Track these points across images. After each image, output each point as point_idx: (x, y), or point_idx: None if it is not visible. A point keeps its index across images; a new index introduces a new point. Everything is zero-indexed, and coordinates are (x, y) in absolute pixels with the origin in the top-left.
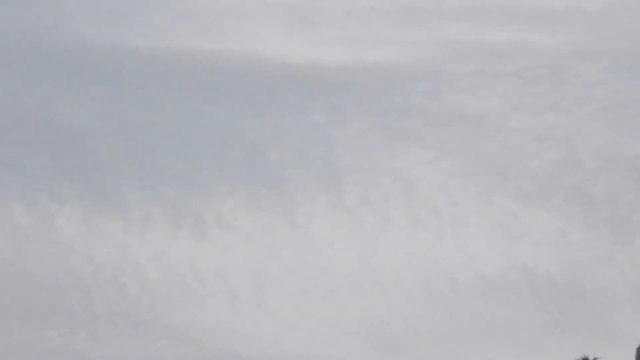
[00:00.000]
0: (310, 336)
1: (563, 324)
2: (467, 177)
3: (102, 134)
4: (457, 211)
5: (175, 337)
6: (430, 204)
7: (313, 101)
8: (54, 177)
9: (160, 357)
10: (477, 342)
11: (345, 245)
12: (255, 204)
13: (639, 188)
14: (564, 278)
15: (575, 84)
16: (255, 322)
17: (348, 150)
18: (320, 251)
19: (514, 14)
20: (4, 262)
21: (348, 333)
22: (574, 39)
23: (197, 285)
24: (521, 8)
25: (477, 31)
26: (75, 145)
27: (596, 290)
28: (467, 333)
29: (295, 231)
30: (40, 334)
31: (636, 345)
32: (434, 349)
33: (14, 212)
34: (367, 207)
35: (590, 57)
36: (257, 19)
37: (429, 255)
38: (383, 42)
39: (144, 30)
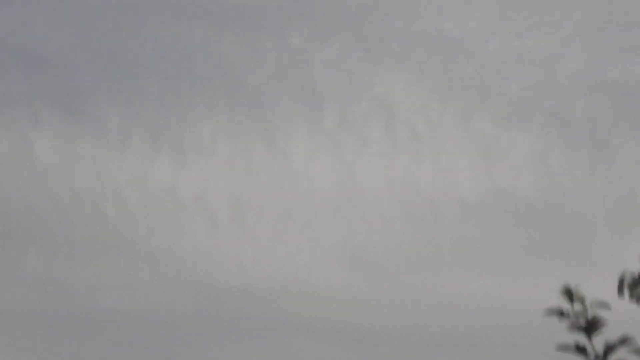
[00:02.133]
0: (289, 261)
1: (542, 247)
2: (446, 99)
3: (79, 57)
4: (436, 134)
5: (155, 262)
6: (409, 126)
7: (291, 24)
8: (31, 102)
9: (139, 282)
10: (457, 265)
11: (324, 168)
12: (233, 128)
13: (617, 111)
14: (543, 201)
15: (554, 7)
16: (235, 247)
17: (326, 73)
18: (299, 174)
19: None
20: None
21: (327, 258)
22: None
23: (177, 210)
24: None
25: None
26: (52, 68)
27: (576, 213)
28: (447, 256)
29: (274, 154)
30: (18, 260)
31: (616, 270)
32: (414, 272)
33: None
34: (346, 130)
35: None
36: None
37: (408, 179)
38: None
39: None
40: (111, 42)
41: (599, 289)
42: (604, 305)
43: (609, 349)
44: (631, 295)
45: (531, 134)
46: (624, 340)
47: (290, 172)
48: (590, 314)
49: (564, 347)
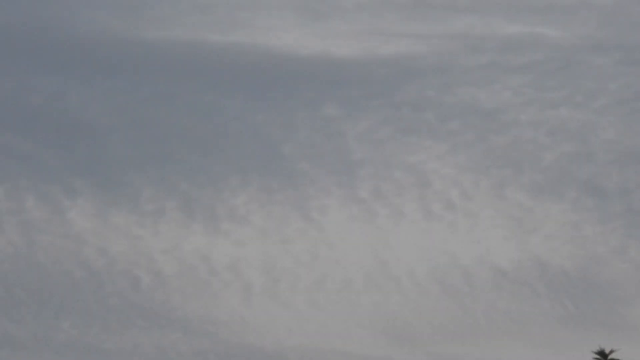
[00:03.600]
0: (324, 329)
1: (577, 317)
2: (480, 170)
3: (114, 127)
4: (471, 205)
5: (189, 330)
6: (444, 197)
7: (326, 95)
8: (66, 170)
9: (174, 350)
10: (491, 335)
11: (358, 239)
12: (268, 197)
13: None
14: (577, 271)
15: (588, 78)
16: (269, 314)
17: (361, 144)
18: (333, 244)
19: (525, 7)
20: (17, 255)
21: (362, 326)
22: (586, 32)
23: (211, 278)
24: (533, 1)
25: (489, 24)
26: (87, 138)
27: (610, 284)
28: (481, 326)
29: (309, 224)
30: (53, 326)
31: None
32: (448, 341)
33: (26, 205)
34: (380, 200)
35: (602, 50)
36: (268, 12)
37: (442, 249)
38: (395, 36)
39: (156, 23)
40: (146, 112)
41: (635, 357)
42: None
43: None
44: None
45: (565, 204)
46: None
47: (325, 241)
48: None
49: None
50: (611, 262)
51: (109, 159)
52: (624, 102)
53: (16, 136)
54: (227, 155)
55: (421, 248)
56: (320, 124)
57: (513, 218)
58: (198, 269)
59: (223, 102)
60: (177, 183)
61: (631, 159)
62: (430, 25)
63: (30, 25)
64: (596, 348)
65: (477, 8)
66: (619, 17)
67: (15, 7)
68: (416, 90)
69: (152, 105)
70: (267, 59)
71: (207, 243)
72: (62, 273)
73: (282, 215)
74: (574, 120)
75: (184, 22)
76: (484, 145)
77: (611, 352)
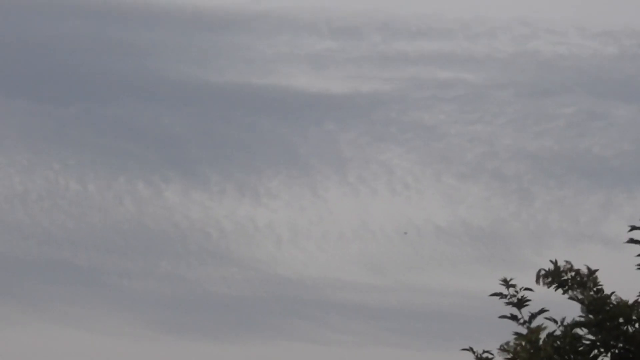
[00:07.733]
0: (326, 264)
1: (488, 257)
2: (426, 164)
3: (193, 137)
4: (420, 185)
5: (242, 266)
6: (403, 181)
7: (326, 116)
8: (163, 165)
9: (232, 278)
10: (433, 268)
11: (349, 207)
12: (291, 182)
13: (534, 171)
14: (489, 228)
15: (493, 105)
16: (292, 256)
17: (349, 147)
18: (332, 211)
19: (453, 61)
20: (131, 220)
21: (351, 263)
22: (491, 76)
23: (255, 233)
24: (458, 56)
25: (430, 71)
26: (176, 145)
27: (510, 235)
28: (426, 263)
29: (317, 199)
30: (156, 264)
31: (535, 271)
32: (405, 272)
33: (137, 187)
34: (363, 183)
35: (502, 88)
36: (290, 64)
37: (402, 214)
38: (371, 79)
39: (219, 71)
40: (213, 127)
41: (525, 282)
42: (528, 289)
43: (532, 316)
44: (543, 283)
45: (481, 185)
46: (541, 311)
47: (327, 209)
48: (519, 295)
49: (503, 316)
50: (510, 222)
51: (190, 158)
52: (517, 120)
53: (131, 144)
54: (266, 155)
55: (389, 213)
56: (323, 135)
57: (447, 194)
58: (247, 227)
59: (262, 122)
60: (233, 173)
61: (522, 156)
62: (393, 71)
63: (136, 72)
64: (501, 276)
65: (423, 61)
66: (512, 66)
67: (129, 62)
68: (384, 113)
69: (218, 124)
70: (289, 94)
71: (253, 210)
72: (161, 231)
73: (300, 193)
74: (485, 132)
75: (237, 70)
76: (428, 148)
77: (511, 279)
